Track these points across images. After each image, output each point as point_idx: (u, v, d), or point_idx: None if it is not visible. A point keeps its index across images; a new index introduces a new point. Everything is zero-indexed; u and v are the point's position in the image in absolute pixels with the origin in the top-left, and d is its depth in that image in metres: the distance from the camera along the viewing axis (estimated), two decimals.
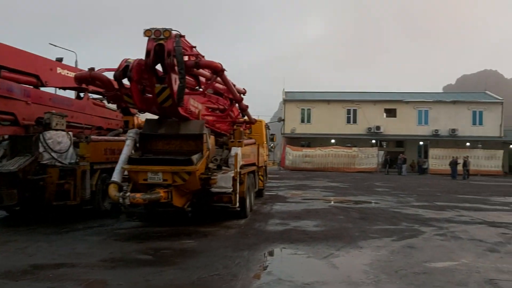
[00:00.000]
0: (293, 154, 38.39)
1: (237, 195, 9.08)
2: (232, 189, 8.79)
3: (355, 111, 41.67)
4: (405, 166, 35.68)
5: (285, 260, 7.13)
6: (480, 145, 38.87)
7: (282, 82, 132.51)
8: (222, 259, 6.56)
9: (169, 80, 7.73)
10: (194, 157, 8.31)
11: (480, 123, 40.63)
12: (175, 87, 7.74)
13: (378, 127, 40.30)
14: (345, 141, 40.97)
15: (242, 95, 12.36)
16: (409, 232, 9.02)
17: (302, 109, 42.15)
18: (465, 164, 31.02)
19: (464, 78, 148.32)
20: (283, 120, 41.98)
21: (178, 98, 7.79)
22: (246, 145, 10.68)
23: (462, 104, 41.28)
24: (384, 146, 45.24)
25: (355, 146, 39.51)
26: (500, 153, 37.34)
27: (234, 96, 10.43)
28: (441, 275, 5.89)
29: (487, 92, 44.76)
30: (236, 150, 9.30)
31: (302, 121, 42.02)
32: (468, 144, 39.47)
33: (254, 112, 13.31)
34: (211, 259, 6.60)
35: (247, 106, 11.44)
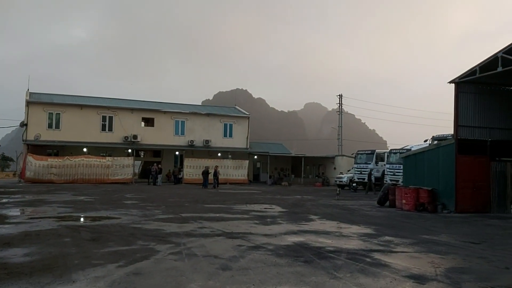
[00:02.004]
0: (36, 164, 33.42)
1: None
2: None
3: (111, 118, 39.34)
4: (161, 176, 35.28)
5: None
6: (230, 156, 41.79)
7: (28, 82, 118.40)
8: None
9: None
10: None
11: (230, 135, 43.77)
12: None
13: (135, 136, 38.99)
14: (99, 150, 38.27)
15: None
16: (142, 253, 7.82)
17: (50, 113, 37.40)
18: (214, 173, 32.47)
19: (220, 95, 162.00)
20: (26, 124, 36.45)
21: None
22: None
23: (215, 116, 43.73)
24: (142, 156, 44.25)
25: (111, 156, 37.22)
26: (246, 163, 40.80)
27: None
28: None
29: (236, 107, 48.79)
30: None
31: (50, 126, 37.27)
32: (219, 154, 41.94)
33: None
34: None
35: None
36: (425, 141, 24.66)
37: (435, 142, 23.62)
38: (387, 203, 18.99)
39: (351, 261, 7.52)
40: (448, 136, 22.94)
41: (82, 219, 12.64)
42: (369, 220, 13.76)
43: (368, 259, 7.70)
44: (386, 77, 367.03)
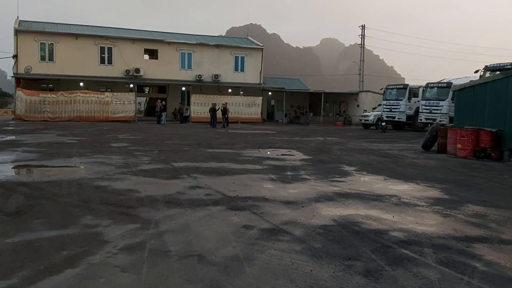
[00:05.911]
0: (27, 100, 30.22)
1: None
2: None
3: (110, 49, 35.47)
4: (165, 114, 31.87)
5: None
6: (242, 92, 38.01)
7: (18, 8, 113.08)
8: None
9: None
10: None
11: (242, 70, 39.70)
12: None
13: (137, 70, 35.22)
14: (98, 84, 34.87)
15: None
16: (73, 248, 4.44)
17: (42, 43, 33.66)
18: (223, 111, 28.91)
19: (232, 30, 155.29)
20: (16, 56, 32.87)
21: None
22: None
23: (225, 48, 39.45)
24: (146, 92, 40.76)
25: (111, 91, 33.77)
26: (259, 100, 37.02)
27: None
28: None
29: (249, 38, 44.16)
30: None
31: (43, 58, 33.70)
32: (230, 90, 38.16)
33: None
34: None
35: None
36: (476, 71, 20.50)
37: (488, 73, 19.52)
38: (434, 148, 15.37)
39: (450, 270, 4.04)
40: (507, 65, 18.81)
41: (34, 172, 9.34)
42: (425, 174, 10.18)
43: (478, 265, 4.21)
44: (408, 10, 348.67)
